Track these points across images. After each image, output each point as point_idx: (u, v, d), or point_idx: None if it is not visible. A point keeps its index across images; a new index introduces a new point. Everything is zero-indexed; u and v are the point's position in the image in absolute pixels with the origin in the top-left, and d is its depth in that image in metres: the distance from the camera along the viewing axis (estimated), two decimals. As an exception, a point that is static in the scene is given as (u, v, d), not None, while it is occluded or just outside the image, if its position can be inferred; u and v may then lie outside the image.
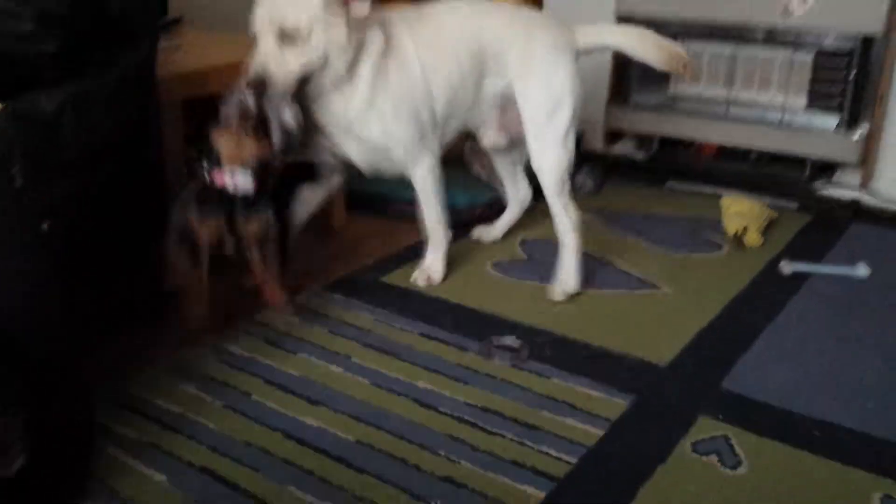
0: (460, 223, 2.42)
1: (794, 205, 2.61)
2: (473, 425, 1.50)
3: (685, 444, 1.45)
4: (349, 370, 1.67)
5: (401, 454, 1.42)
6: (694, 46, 2.75)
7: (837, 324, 1.87)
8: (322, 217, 2.32)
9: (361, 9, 1.79)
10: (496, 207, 2.48)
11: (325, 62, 1.76)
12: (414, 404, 1.56)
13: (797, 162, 2.73)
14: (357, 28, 1.80)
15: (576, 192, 2.46)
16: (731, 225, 2.30)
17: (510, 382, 1.64)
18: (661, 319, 1.90)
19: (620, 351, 1.75)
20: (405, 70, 1.91)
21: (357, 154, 1.96)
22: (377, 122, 1.89)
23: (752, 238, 2.27)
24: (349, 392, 1.60)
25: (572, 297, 1.99)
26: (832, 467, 1.40)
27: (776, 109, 2.66)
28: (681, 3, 2.67)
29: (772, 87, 2.68)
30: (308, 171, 2.09)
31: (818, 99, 2.61)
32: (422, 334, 1.82)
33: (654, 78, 2.78)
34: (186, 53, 2.09)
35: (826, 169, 2.73)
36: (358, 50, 1.81)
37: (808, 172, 2.71)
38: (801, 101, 2.64)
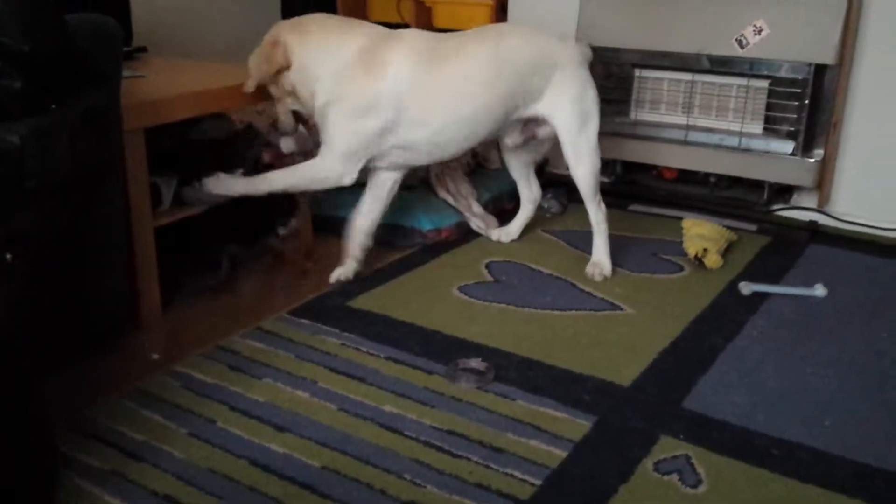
0: (426, 246, 2.45)
1: (753, 227, 2.67)
2: (439, 449, 1.51)
3: (647, 464, 1.47)
4: (315, 395, 1.68)
5: (366, 479, 1.42)
6: (653, 74, 2.83)
7: (795, 343, 1.92)
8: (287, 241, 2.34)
9: (282, 57, 2.05)
10: (463, 229, 2.53)
11: (297, 97, 2.08)
12: (380, 429, 1.57)
13: (756, 185, 2.80)
14: (301, 56, 2.04)
15: (542, 214, 2.56)
16: (692, 247, 2.35)
17: (476, 405, 1.65)
18: (623, 340, 1.93)
19: (584, 372, 1.78)
20: (370, 87, 2.02)
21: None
22: (322, 119, 2.09)
23: (713, 259, 2.32)
24: (315, 417, 1.60)
25: (538, 320, 2.02)
26: (790, 485, 1.43)
27: (734, 134, 2.73)
28: (640, 34, 2.75)
29: (729, 113, 2.75)
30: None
31: (774, 124, 2.69)
32: (388, 358, 1.83)
33: (616, 104, 2.85)
34: (150, 82, 2.10)
35: (784, 192, 2.81)
36: (312, 69, 2.04)
37: (766, 195, 2.78)
38: (758, 126, 2.72)
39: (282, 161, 2.16)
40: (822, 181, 2.66)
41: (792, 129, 2.65)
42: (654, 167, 2.94)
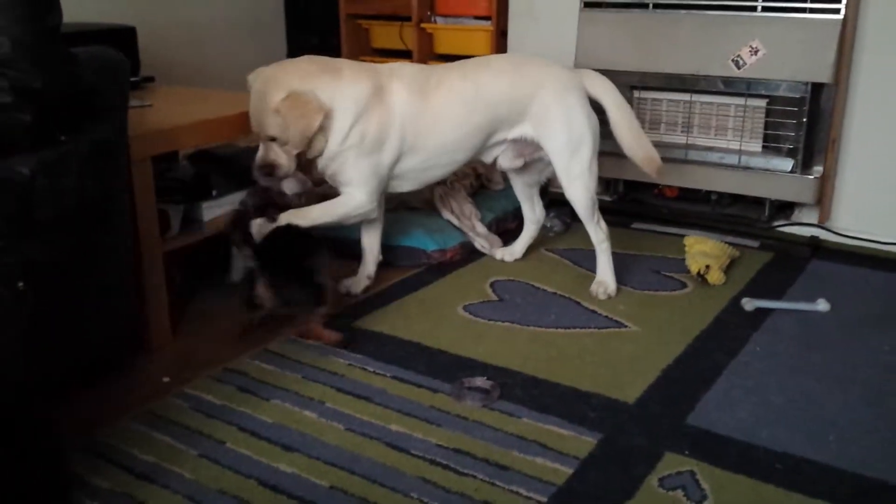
0: (431, 267, 2.48)
1: (755, 243, 2.68)
2: (445, 467, 1.52)
3: (652, 480, 1.48)
4: (323, 415, 1.70)
5: (374, 498, 1.44)
6: (652, 95, 2.86)
7: (799, 358, 1.93)
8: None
9: (316, 108, 2.02)
10: (468, 249, 2.56)
11: (308, 143, 2.05)
12: (387, 448, 1.58)
13: (757, 202, 2.83)
14: (326, 101, 2.04)
15: (545, 233, 2.58)
16: (695, 264, 2.37)
17: (481, 423, 1.67)
18: (627, 357, 1.94)
19: (589, 389, 1.79)
20: (384, 122, 2.10)
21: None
22: (341, 162, 2.12)
23: (715, 276, 2.34)
24: (323, 437, 1.62)
25: (542, 338, 2.03)
26: (794, 499, 1.43)
27: (733, 153, 2.75)
28: (637, 56, 2.78)
29: (728, 132, 2.78)
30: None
31: (773, 142, 2.71)
32: (394, 377, 1.84)
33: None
34: (157, 111, 2.14)
35: (785, 208, 2.83)
36: (331, 116, 2.05)
37: (767, 212, 2.80)
38: (757, 144, 2.74)
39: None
40: (823, 197, 2.68)
41: (791, 146, 2.67)
42: (656, 186, 2.96)
